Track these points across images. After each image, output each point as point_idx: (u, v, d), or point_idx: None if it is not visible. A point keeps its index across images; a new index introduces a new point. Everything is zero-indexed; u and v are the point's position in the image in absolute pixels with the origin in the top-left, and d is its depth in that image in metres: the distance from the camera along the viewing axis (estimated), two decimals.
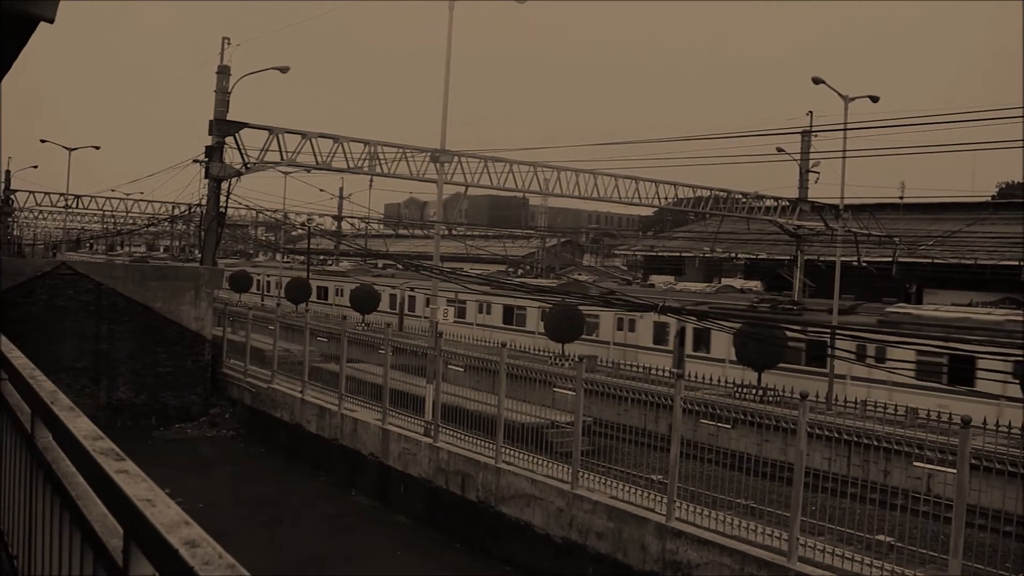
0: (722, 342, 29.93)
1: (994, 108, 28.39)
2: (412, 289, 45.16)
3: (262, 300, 54.15)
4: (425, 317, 43.28)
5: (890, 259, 38.74)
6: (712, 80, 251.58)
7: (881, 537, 12.00)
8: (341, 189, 68.37)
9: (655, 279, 52.77)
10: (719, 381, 27.44)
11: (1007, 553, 12.05)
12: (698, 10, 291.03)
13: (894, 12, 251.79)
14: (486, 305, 40.41)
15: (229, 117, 28.54)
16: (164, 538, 1.76)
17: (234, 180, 29.13)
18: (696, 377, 25.85)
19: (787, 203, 37.99)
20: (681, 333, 31.92)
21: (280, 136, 28.83)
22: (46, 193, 61.09)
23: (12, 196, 61.12)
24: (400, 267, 49.40)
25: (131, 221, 67.61)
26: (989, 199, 55.75)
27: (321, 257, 69.41)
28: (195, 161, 31.68)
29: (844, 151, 28.91)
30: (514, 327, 39.48)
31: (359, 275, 53.83)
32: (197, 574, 1.60)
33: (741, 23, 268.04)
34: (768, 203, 38.75)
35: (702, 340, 31.89)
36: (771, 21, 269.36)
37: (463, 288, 31.95)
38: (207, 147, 28.58)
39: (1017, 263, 39.33)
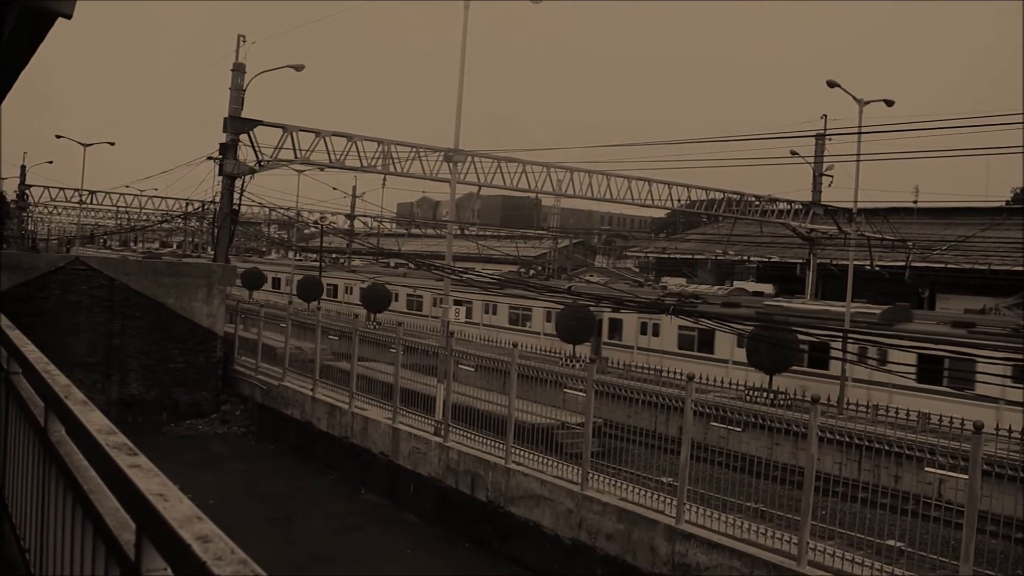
0: (631, 331, 35.42)
1: (1008, 112, 28.23)
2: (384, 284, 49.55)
3: (251, 295, 54.79)
4: (391, 310, 46.40)
5: (903, 263, 38.48)
6: (723, 83, 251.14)
7: (891, 542, 11.93)
8: (354, 188, 68.49)
9: (666, 280, 52.81)
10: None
11: (1018, 559, 11.97)
12: (707, 13, 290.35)
13: (894, 13, 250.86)
14: (438, 299, 41.98)
15: (244, 115, 28.62)
16: (177, 533, 1.76)
17: (248, 177, 29.22)
18: (612, 363, 31.29)
19: (800, 206, 37.83)
20: (599, 325, 36.31)
21: (294, 134, 28.89)
22: (61, 188, 61.33)
23: (27, 191, 61.42)
24: (412, 266, 50.09)
25: (145, 217, 67.89)
26: (1003, 204, 55.35)
27: (334, 255, 69.62)
28: (209, 158, 31.77)
29: (858, 154, 28.81)
30: (464, 318, 42.89)
31: (335, 272, 59.07)
32: (209, 569, 1.60)
33: (750, 26, 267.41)
34: (781, 206, 38.58)
35: (616, 330, 36.48)
36: (779, 25, 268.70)
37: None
38: (221, 144, 28.65)
39: None
